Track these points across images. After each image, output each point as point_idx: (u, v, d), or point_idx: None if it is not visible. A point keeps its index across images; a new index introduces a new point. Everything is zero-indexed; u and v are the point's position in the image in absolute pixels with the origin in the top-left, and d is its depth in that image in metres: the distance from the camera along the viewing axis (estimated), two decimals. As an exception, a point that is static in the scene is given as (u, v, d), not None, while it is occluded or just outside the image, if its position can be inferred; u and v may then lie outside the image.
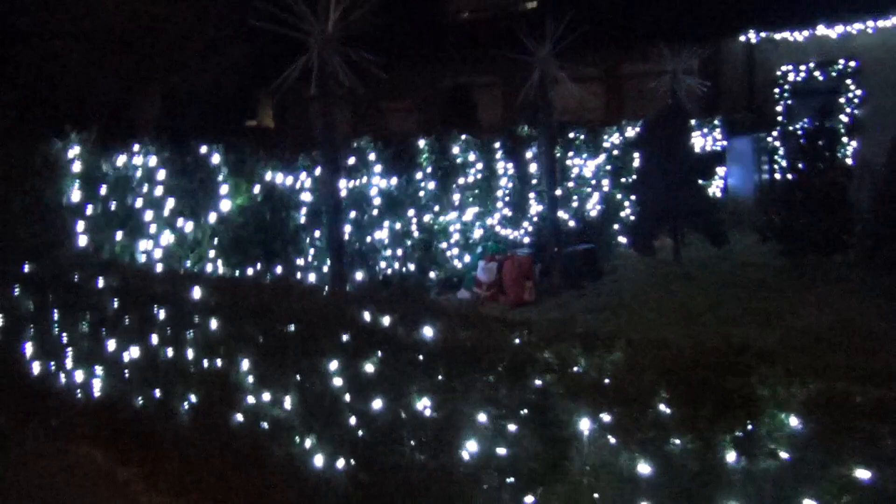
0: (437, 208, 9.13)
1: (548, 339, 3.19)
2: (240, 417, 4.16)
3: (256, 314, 4.11)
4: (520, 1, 17.54)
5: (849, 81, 13.42)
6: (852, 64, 13.34)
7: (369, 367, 3.58)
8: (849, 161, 13.03)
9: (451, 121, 13.34)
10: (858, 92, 13.37)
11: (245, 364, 4.12)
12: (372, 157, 8.39)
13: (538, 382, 3.06)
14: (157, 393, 4.71)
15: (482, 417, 3.21)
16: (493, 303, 8.75)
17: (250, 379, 4.11)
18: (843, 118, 13.35)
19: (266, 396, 4.01)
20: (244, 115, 21.63)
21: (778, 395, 2.58)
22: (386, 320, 3.62)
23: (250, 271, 7.13)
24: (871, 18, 12.85)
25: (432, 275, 9.12)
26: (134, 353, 4.83)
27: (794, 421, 2.53)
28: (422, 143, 8.98)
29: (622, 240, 11.62)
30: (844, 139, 13.16)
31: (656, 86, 10.84)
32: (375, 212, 8.46)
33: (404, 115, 18.91)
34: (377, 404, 3.54)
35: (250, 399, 4.10)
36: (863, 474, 2.40)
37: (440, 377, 3.35)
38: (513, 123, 10.53)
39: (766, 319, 7.50)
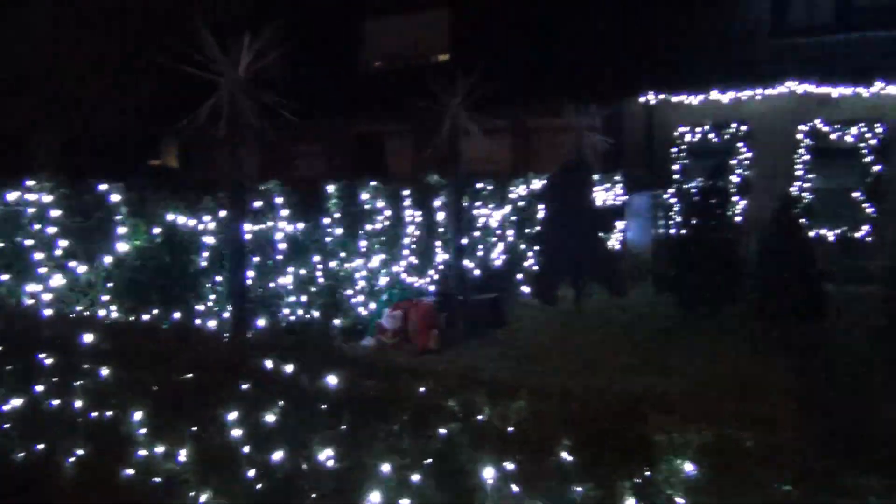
0: (343, 254, 9.07)
1: (453, 387, 3.20)
2: (130, 471, 3.95)
3: (151, 362, 3.95)
4: (432, 53, 17.90)
5: (739, 144, 14.24)
6: (743, 128, 14.18)
7: (270, 418, 3.48)
8: (738, 219, 13.76)
9: (361, 168, 13.39)
10: (748, 154, 14.19)
11: (138, 415, 3.93)
12: (279, 200, 8.30)
13: (443, 431, 3.05)
14: (41, 446, 4.43)
15: (386, 468, 3.16)
16: (398, 351, 8.70)
17: (143, 431, 3.92)
18: (734, 178, 14.11)
19: (160, 449, 3.83)
20: (148, 154, 21.05)
21: (674, 441, 2.66)
22: (288, 368, 3.54)
23: (147, 317, 6.86)
24: (760, 87, 13.74)
25: (337, 322, 9.01)
26: (16, 402, 4.53)
27: (688, 466, 2.61)
28: (330, 188, 8.95)
29: (525, 289, 11.82)
30: (735, 198, 13.89)
31: (562, 140, 11.19)
32: (280, 257, 8.33)
33: (314, 160, 18.83)
34: (278, 455, 3.44)
35: (142, 452, 3.91)
36: (753, 519, 2.49)
37: (343, 427, 3.30)
38: (422, 172, 10.65)
39: (663, 369, 7.75)
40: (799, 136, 13.72)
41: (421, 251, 10.24)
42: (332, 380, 3.36)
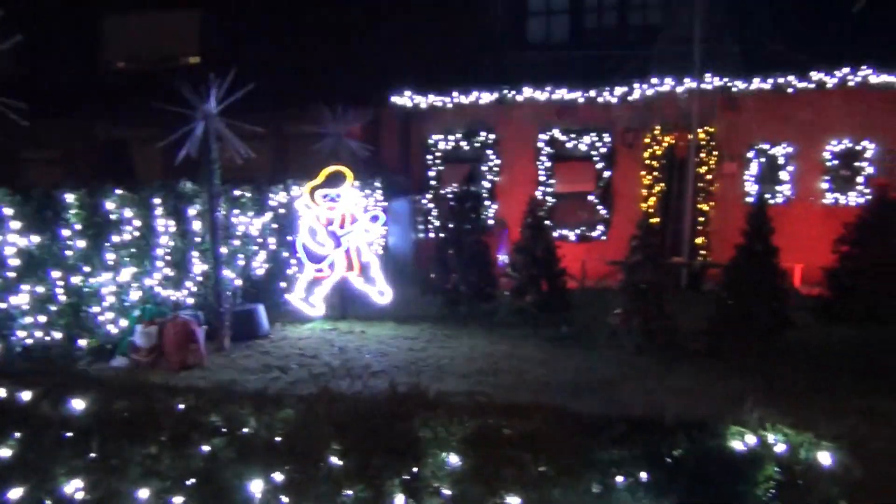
0: (87, 269, 8.34)
1: (214, 401, 3.06)
2: None
3: None
4: (182, 55, 17.05)
5: (489, 151, 15.10)
6: (492, 136, 15.05)
7: (5, 452, 3.11)
8: (491, 222, 14.61)
9: (108, 175, 12.39)
10: (497, 161, 15.10)
11: None
12: (8, 212, 7.45)
13: (206, 448, 2.91)
14: None
15: (144, 493, 2.95)
16: (154, 369, 8.19)
17: None
18: (486, 184, 14.94)
19: None
20: None
21: (439, 435, 2.76)
22: (25, 396, 3.19)
23: None
24: (504, 98, 14.65)
25: (82, 342, 8.27)
26: None
27: (454, 458, 2.71)
28: (70, 197, 8.19)
29: (290, 297, 11.63)
30: (487, 202, 14.72)
31: (321, 146, 11.18)
32: (12, 274, 7.49)
33: (53, 166, 17.12)
34: (16, 494, 3.08)
35: None
36: (513, 501, 2.64)
37: (93, 454, 3.03)
38: (175, 180, 10.08)
39: (428, 367, 8.02)
40: (540, 144, 14.84)
41: (176, 262, 9.70)
42: (77, 404, 3.08)
